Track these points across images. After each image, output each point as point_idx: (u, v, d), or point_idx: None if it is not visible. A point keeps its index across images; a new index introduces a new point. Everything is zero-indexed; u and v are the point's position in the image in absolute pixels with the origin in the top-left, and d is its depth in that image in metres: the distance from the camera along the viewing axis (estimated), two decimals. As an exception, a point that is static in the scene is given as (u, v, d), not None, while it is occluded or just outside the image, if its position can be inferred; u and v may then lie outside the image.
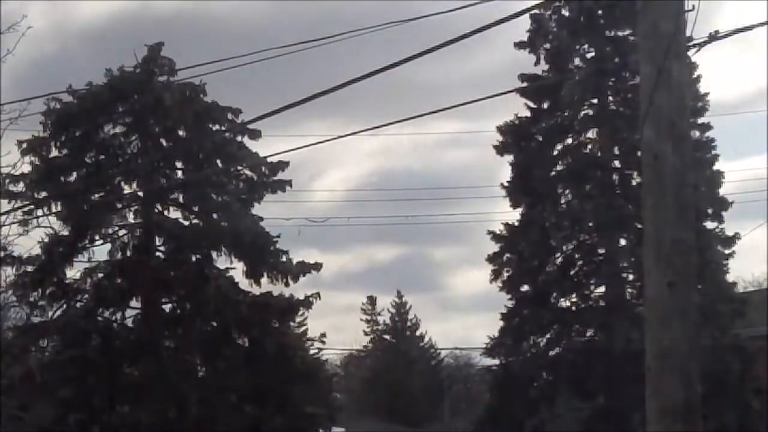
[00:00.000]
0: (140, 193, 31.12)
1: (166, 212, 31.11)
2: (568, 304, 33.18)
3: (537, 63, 33.03)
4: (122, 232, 30.79)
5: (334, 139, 13.60)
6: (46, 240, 30.07)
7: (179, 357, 30.47)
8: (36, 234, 30.06)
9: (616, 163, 33.03)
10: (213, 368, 30.17)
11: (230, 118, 31.15)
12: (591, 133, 33.46)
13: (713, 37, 8.53)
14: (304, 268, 30.82)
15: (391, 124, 11.98)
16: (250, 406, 29.92)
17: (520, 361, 32.90)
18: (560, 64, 33.17)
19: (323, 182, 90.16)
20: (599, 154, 33.18)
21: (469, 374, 64.97)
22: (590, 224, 32.47)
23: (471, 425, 36.92)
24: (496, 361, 34.29)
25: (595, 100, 33.18)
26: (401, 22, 12.14)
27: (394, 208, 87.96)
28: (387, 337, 66.38)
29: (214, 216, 30.98)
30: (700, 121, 33.03)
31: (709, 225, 32.37)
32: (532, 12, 30.91)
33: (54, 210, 30.11)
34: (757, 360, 31.20)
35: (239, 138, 31.15)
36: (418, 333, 66.12)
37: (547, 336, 33.11)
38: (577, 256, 33.21)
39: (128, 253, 30.57)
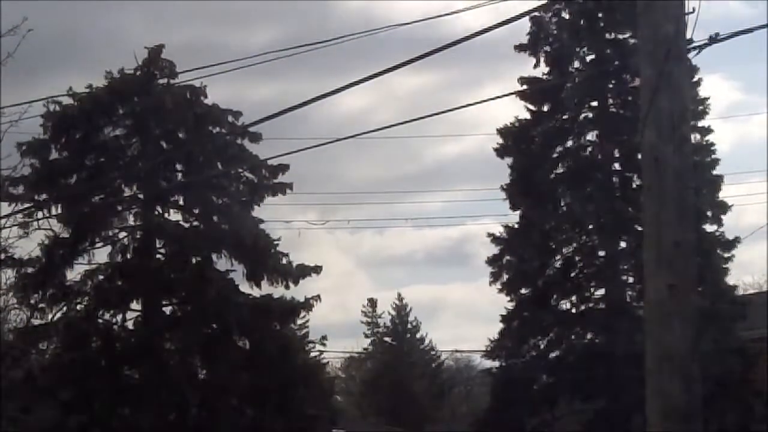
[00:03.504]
0: (141, 196, 31.15)
1: (166, 214, 31.14)
2: (569, 306, 33.18)
3: (537, 65, 33.06)
4: (123, 234, 30.83)
5: (333, 141, 13.60)
6: (47, 242, 30.09)
7: (180, 359, 30.47)
8: (36, 236, 30.10)
9: (617, 166, 33.03)
10: (214, 370, 30.16)
11: (231, 121, 31.19)
12: (591, 136, 33.49)
13: (714, 39, 8.52)
14: (304, 270, 30.84)
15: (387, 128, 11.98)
16: (250, 409, 29.96)
17: (520, 364, 32.89)
18: (560, 67, 33.16)
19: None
20: (599, 156, 33.17)
21: (469, 376, 64.96)
22: (590, 226, 32.46)
23: (472, 427, 36.89)
24: (497, 364, 34.29)
25: (595, 103, 33.17)
26: (403, 24, 12.17)
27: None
28: (387, 339, 66.33)
29: (215, 218, 30.99)
30: (700, 124, 33.03)
31: (709, 228, 32.39)
32: (533, 14, 30.91)
33: (54, 212, 30.12)
34: (757, 362, 31.19)
35: (240, 140, 31.17)
36: (418, 335, 66.11)
37: (548, 338, 33.09)
38: (577, 258, 33.20)
39: (129, 256, 30.59)
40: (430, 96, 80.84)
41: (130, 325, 30.71)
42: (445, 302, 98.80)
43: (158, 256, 30.92)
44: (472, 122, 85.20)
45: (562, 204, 33.13)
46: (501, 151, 33.60)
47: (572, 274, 33.09)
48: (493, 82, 80.00)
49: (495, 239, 33.49)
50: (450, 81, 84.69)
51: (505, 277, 33.37)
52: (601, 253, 33.03)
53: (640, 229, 24.66)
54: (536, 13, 31.58)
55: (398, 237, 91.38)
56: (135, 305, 30.69)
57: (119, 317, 30.61)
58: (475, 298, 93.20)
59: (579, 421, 32.06)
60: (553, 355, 33.06)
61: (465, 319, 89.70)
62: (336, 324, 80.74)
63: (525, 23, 32.15)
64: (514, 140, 33.42)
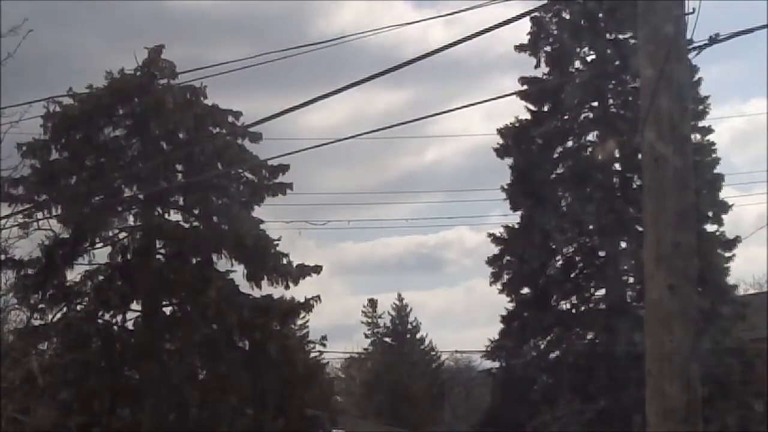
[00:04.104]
0: (141, 196, 31.15)
1: (166, 215, 31.13)
2: (569, 306, 33.17)
3: (537, 66, 33.07)
4: (123, 234, 30.83)
5: (334, 142, 13.61)
6: (47, 243, 30.09)
7: (180, 360, 30.47)
8: (36, 236, 30.08)
9: (617, 166, 33.02)
10: (214, 371, 30.16)
11: (231, 121, 31.18)
12: (591, 136, 33.48)
13: (714, 39, 8.52)
14: (304, 270, 30.83)
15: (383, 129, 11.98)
16: (251, 409, 29.96)
17: (520, 364, 32.88)
18: (561, 67, 33.15)
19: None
20: (600, 156, 33.15)
21: (470, 377, 64.95)
22: (591, 227, 32.45)
23: (472, 428, 36.88)
24: (497, 364, 34.28)
25: (595, 103, 33.17)
26: (403, 25, 12.19)
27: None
28: (388, 339, 66.33)
29: (215, 219, 30.99)
30: (700, 124, 33.00)
31: (710, 228, 32.38)
32: (533, 15, 30.89)
33: (54, 213, 30.10)
34: (758, 363, 31.19)
35: (240, 141, 31.17)
36: (418, 336, 66.10)
37: (548, 338, 33.09)
38: (577, 258, 33.20)
39: (129, 256, 30.60)
40: (404, 113, 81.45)
41: (130, 325, 30.71)
42: (423, 309, 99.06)
43: (158, 256, 30.91)
44: (443, 134, 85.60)
45: (562, 204, 33.12)
46: (501, 152, 33.58)
47: (572, 274, 33.09)
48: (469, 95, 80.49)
49: (495, 239, 33.48)
50: (429, 96, 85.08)
51: (506, 277, 33.37)
52: (602, 254, 33.02)
53: (640, 229, 24.65)
54: (536, 13, 31.57)
55: (370, 244, 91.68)
56: (135, 306, 30.69)
57: (119, 318, 30.62)
58: (450, 303, 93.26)
59: (579, 421, 32.04)
60: (553, 355, 33.05)
61: (444, 324, 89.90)
62: (319, 328, 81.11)
63: (525, 23, 32.25)
64: (514, 140, 33.41)
